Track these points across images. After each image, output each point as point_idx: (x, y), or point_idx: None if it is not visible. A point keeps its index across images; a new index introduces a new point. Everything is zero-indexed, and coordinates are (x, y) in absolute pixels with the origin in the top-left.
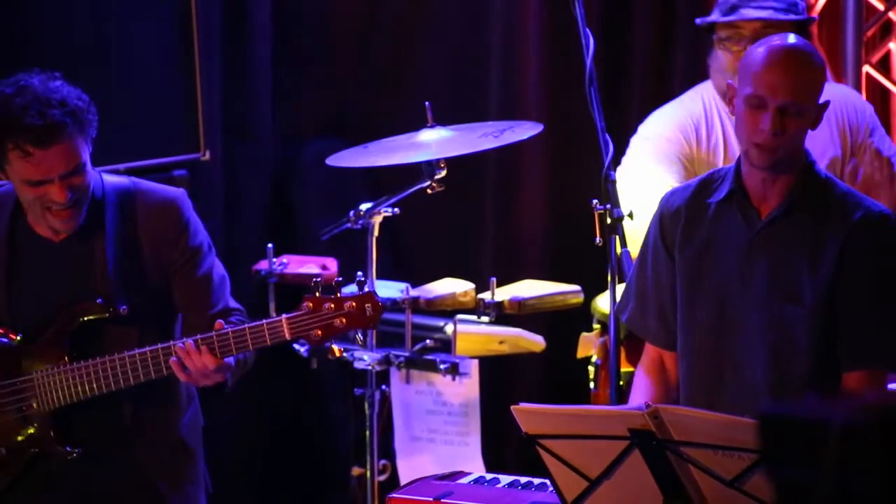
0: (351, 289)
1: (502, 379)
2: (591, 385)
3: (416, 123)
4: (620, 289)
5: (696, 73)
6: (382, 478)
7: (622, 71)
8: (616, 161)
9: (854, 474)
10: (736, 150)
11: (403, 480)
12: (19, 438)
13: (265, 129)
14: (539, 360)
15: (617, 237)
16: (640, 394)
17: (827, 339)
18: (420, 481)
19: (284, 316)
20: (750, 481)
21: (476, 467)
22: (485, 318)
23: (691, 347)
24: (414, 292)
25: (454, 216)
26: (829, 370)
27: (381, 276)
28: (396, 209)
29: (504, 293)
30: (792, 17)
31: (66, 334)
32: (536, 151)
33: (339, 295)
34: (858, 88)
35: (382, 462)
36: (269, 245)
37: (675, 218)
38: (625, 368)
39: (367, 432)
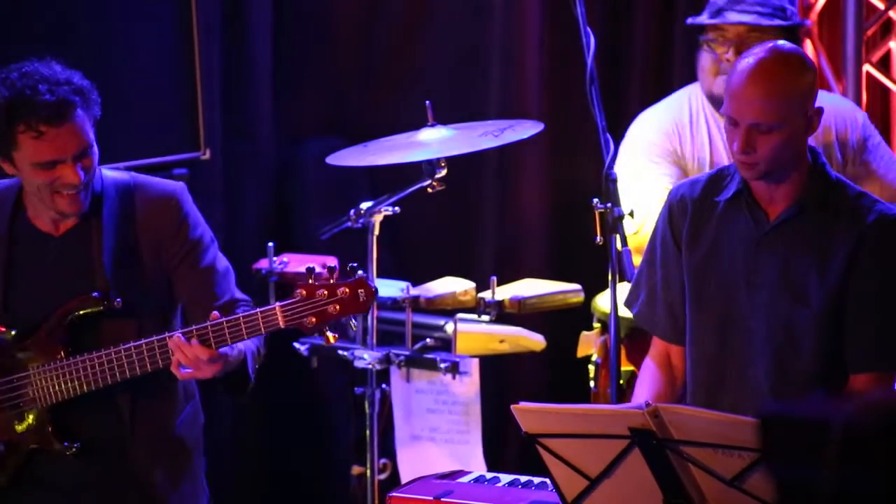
0: None
1: (503, 378)
2: (592, 384)
3: (417, 122)
4: (621, 288)
5: (695, 73)
6: (383, 477)
7: (623, 70)
8: (615, 160)
9: (855, 473)
10: (721, 150)
11: (404, 479)
12: (17, 434)
13: (265, 128)
14: (539, 359)
15: (617, 236)
16: (646, 387)
17: (833, 341)
18: (420, 480)
19: (278, 304)
20: (750, 480)
21: (476, 466)
22: (485, 317)
23: (696, 345)
24: (414, 291)
25: (454, 215)
26: (832, 372)
27: (381, 275)
28: (397, 208)
29: (504, 292)
30: (777, 22)
31: (61, 329)
32: (537, 150)
33: (332, 281)
34: (859, 88)
35: (383, 461)
36: (270, 244)
37: (682, 212)
38: (625, 367)
39: (368, 431)
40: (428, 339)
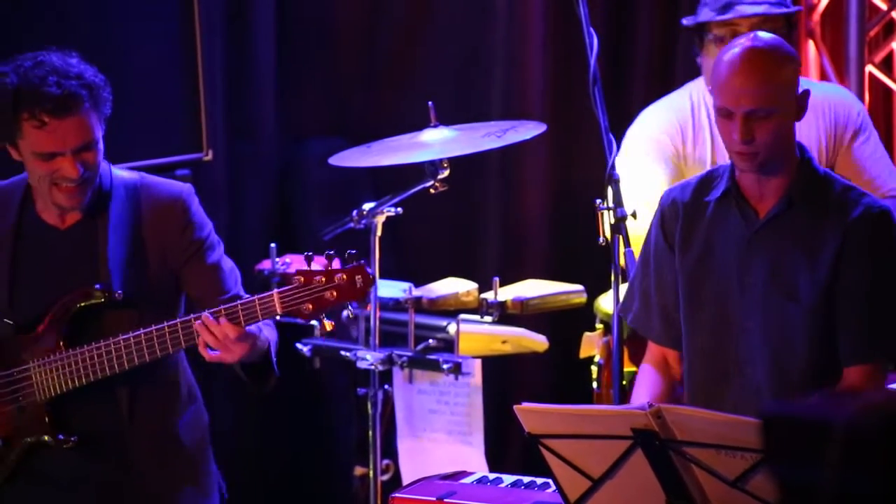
0: None
1: (505, 379)
2: (594, 385)
3: (420, 123)
4: (624, 289)
5: (698, 73)
6: (385, 477)
7: (626, 70)
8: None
9: (858, 474)
10: (723, 149)
11: (406, 480)
12: (16, 428)
13: (268, 129)
14: (542, 360)
15: (620, 237)
16: (644, 391)
17: (826, 336)
18: (423, 481)
19: (276, 291)
20: (753, 481)
21: (479, 467)
22: (488, 318)
23: (693, 347)
24: (417, 292)
25: (457, 216)
26: (829, 367)
27: (383, 276)
28: (399, 209)
29: (507, 293)
30: (783, 10)
31: (62, 321)
32: (539, 151)
33: (330, 268)
34: (861, 88)
35: (385, 462)
36: (272, 245)
37: (674, 216)
38: (628, 368)
39: (370, 432)
40: (430, 340)
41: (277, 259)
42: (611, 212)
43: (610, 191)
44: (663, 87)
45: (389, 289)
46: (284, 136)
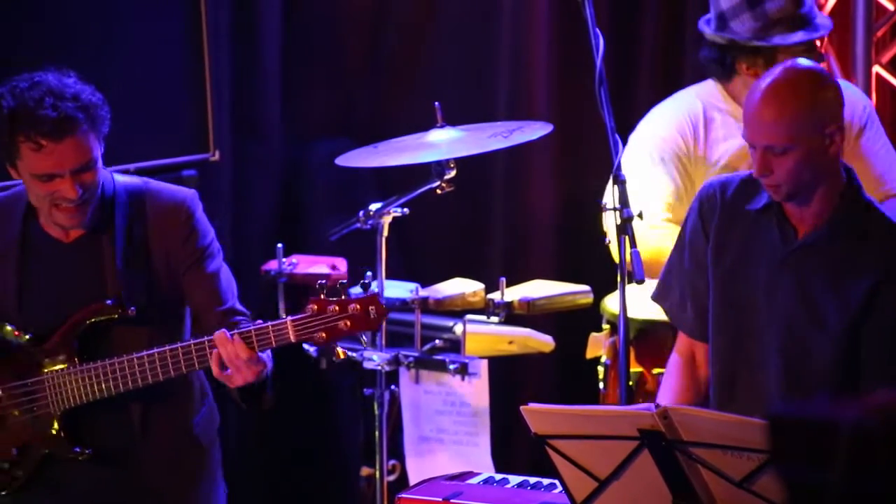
0: (356, 290)
1: (512, 379)
2: (601, 385)
3: (426, 123)
4: (630, 289)
5: (704, 74)
6: (392, 478)
7: (632, 71)
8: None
9: (864, 475)
10: (736, 152)
11: (413, 481)
12: (30, 440)
13: (274, 130)
14: (548, 361)
15: (626, 237)
16: (669, 385)
17: (848, 364)
18: (429, 481)
19: (289, 318)
20: (759, 482)
21: (485, 467)
22: (494, 319)
23: (715, 344)
24: (423, 292)
25: (463, 216)
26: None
27: (390, 277)
28: (406, 209)
29: (513, 293)
30: (821, 33)
31: (74, 335)
32: (546, 152)
33: (343, 297)
34: (868, 89)
35: (392, 462)
36: (279, 245)
37: (712, 209)
38: (634, 369)
39: (377, 432)
40: (437, 341)
41: (284, 259)
42: (617, 212)
43: (616, 191)
44: (669, 88)
45: (396, 289)
46: (291, 136)
